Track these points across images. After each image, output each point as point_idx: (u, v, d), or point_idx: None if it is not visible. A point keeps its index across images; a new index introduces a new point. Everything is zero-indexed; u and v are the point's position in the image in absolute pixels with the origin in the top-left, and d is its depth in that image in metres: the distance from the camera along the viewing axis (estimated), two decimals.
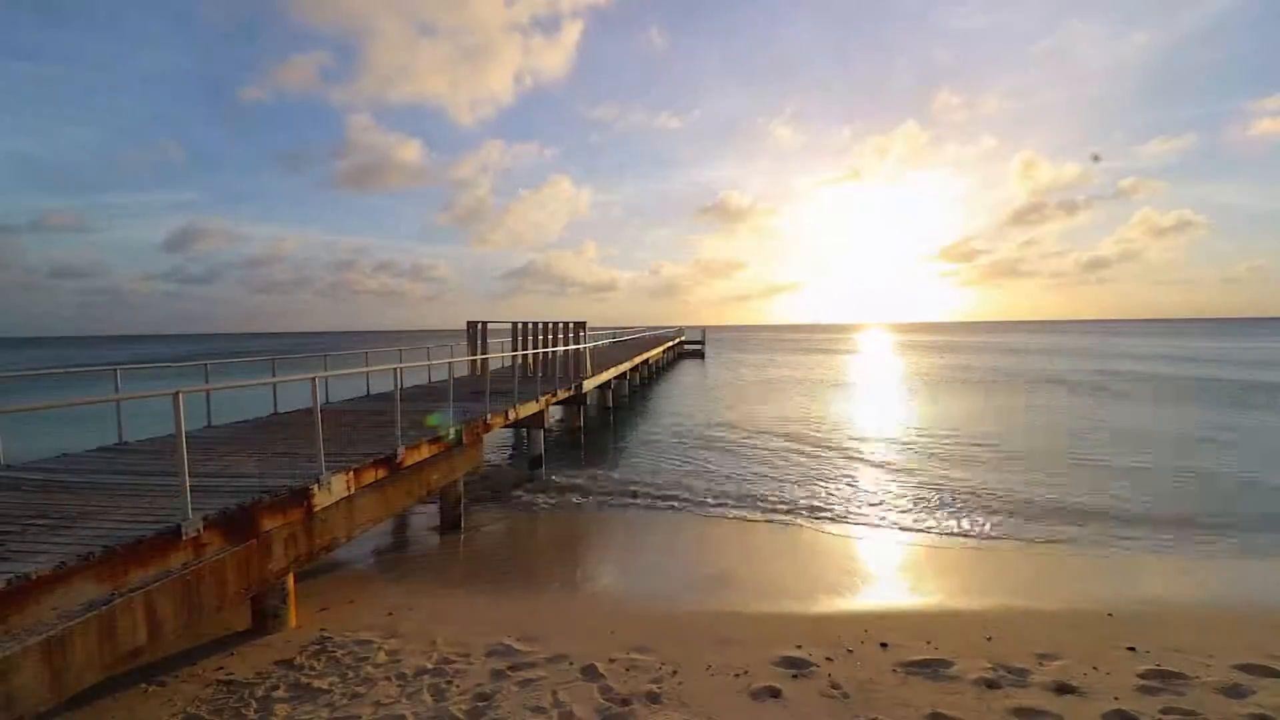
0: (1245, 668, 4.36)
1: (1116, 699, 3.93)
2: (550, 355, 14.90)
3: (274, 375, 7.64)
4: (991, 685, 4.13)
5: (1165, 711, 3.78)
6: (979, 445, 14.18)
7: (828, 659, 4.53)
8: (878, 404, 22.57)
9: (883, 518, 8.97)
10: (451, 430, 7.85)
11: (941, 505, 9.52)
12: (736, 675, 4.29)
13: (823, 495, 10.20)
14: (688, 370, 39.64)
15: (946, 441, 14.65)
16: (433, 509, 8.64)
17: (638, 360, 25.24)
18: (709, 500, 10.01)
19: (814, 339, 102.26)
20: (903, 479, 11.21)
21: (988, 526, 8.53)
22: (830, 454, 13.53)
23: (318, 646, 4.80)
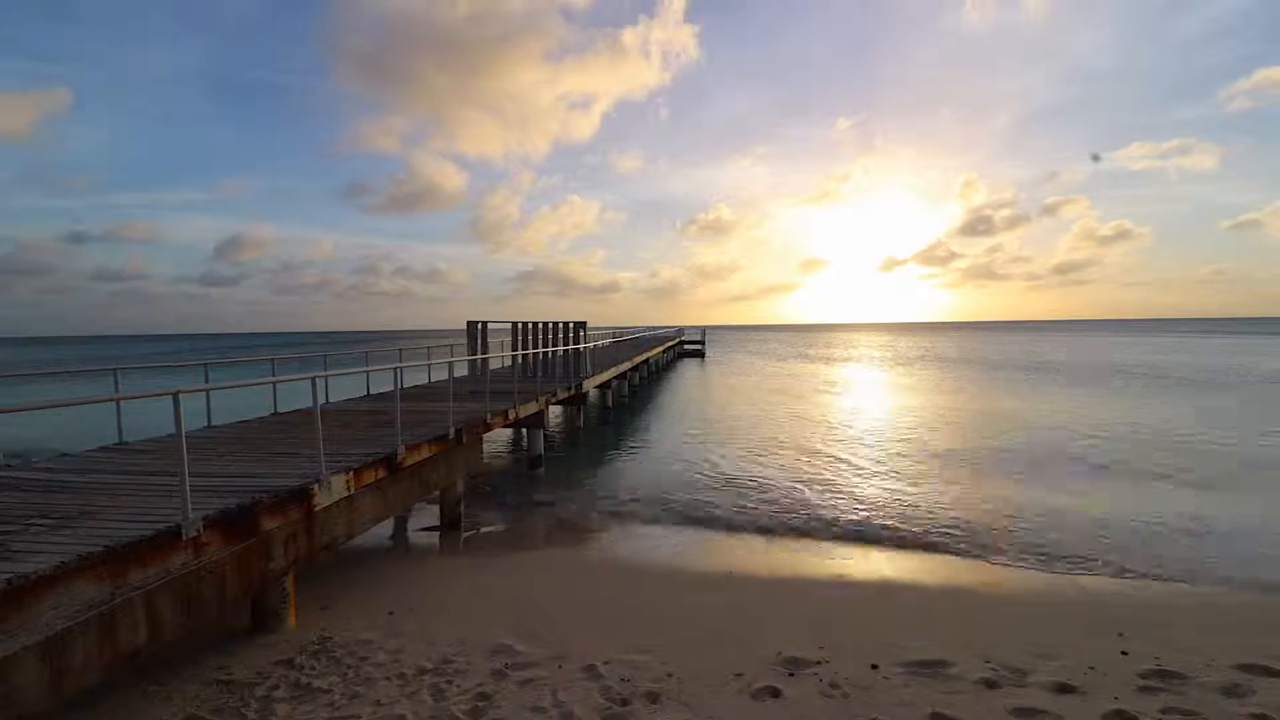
0: (1245, 668, 4.35)
1: (1116, 698, 3.93)
2: (550, 355, 14.90)
3: (274, 375, 7.64)
4: (991, 685, 4.13)
5: (1165, 711, 3.78)
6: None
7: (827, 659, 4.52)
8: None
9: (884, 517, 8.97)
10: (451, 430, 7.85)
11: (937, 508, 9.52)
12: (736, 675, 4.29)
13: (822, 494, 10.20)
14: (688, 370, 39.62)
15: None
16: (433, 508, 8.64)
17: (638, 360, 25.24)
18: (709, 500, 10.00)
19: (838, 338, 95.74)
20: (887, 479, 11.21)
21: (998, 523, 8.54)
22: (838, 457, 13.53)
23: (318, 646, 4.80)
